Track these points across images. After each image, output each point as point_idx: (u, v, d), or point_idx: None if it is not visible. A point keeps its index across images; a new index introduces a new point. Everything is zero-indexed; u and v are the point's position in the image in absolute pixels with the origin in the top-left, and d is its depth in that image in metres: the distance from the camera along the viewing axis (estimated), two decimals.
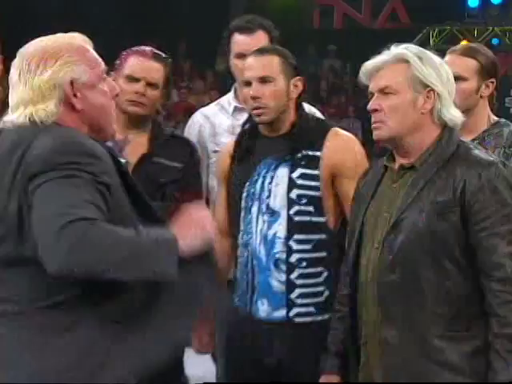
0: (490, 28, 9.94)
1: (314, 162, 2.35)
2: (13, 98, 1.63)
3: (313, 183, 2.35)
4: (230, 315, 2.43)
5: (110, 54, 2.45)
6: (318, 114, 2.79)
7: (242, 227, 2.42)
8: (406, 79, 1.90)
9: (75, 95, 1.61)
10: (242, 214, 2.42)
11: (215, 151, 2.81)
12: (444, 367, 1.89)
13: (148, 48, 2.61)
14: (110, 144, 2.14)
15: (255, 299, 2.40)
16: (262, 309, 2.38)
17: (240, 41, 2.73)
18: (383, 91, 1.92)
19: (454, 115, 1.94)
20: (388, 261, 1.93)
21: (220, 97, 3.20)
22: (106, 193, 1.48)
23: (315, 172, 2.35)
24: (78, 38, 1.69)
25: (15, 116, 1.59)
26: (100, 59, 1.70)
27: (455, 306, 1.91)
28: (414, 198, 1.91)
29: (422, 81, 1.90)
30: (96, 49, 1.87)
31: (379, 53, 2.04)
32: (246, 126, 2.49)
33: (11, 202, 1.50)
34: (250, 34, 2.73)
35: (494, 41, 13.00)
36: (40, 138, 1.51)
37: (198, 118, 2.95)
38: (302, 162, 2.35)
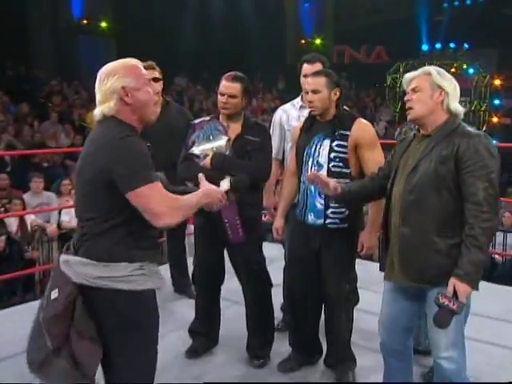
0: (434, 62, 12.33)
1: (345, 137, 2.89)
2: (96, 100, 2.03)
3: (343, 149, 2.89)
4: (295, 221, 3.07)
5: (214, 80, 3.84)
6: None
7: (302, 172, 2.98)
8: (428, 83, 2.40)
9: (127, 95, 1.98)
10: (303, 164, 2.98)
11: (288, 130, 3.50)
12: (436, 252, 2.32)
13: (233, 73, 3.12)
14: (221, 128, 3.07)
15: (307, 212, 2.97)
16: (310, 217, 2.95)
17: (305, 68, 3.38)
18: (414, 90, 2.42)
19: (456, 107, 2.41)
20: (408, 188, 2.38)
21: (281, 104, 3.90)
22: None
23: (345, 143, 2.89)
24: (132, 61, 2.07)
25: (96, 111, 2.01)
26: (145, 72, 2.07)
27: (446, 217, 2.32)
28: (427, 153, 2.36)
29: (438, 84, 2.39)
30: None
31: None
32: (309, 115, 3.06)
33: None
34: (311, 64, 3.38)
35: None
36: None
37: (279, 111, 3.70)
38: (338, 137, 2.89)
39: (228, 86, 3.06)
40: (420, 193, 2.35)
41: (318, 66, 3.34)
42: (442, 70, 2.45)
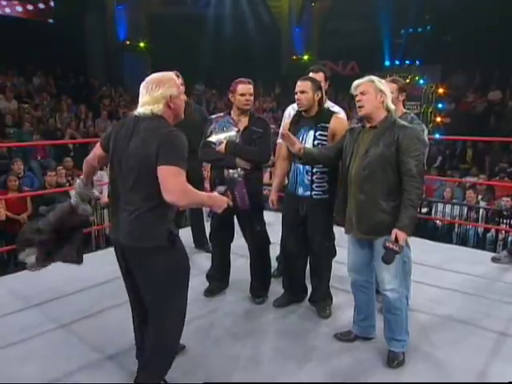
0: (394, 74, 12.43)
1: (325, 129, 2.86)
2: (142, 101, 1.97)
3: (324, 138, 2.86)
4: (287, 194, 3.02)
5: (226, 85, 3.27)
6: (332, 105, 3.32)
7: (293, 156, 2.92)
8: (372, 88, 2.42)
9: (171, 102, 1.98)
10: None
11: None
12: (382, 212, 2.36)
13: (244, 79, 3.07)
14: (232, 121, 3.03)
15: (297, 187, 2.94)
16: (300, 190, 2.93)
17: (311, 75, 3.15)
18: (362, 93, 2.43)
19: (391, 105, 2.45)
20: (362, 166, 2.41)
21: (277, 106, 4.29)
22: None
23: (325, 133, 2.86)
24: (172, 74, 2.05)
25: (143, 109, 1.96)
26: (180, 83, 2.07)
27: (389, 187, 2.36)
28: (375, 140, 2.40)
29: (379, 88, 2.42)
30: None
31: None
32: (296, 112, 3.02)
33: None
34: (315, 72, 3.25)
35: None
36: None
37: (289, 107, 3.49)
38: (320, 128, 2.86)
39: (248, 88, 3.02)
40: (371, 169, 2.38)
41: (320, 75, 3.27)
42: (380, 79, 2.46)
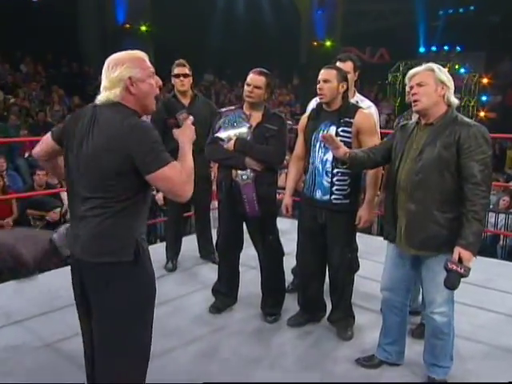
0: (431, 62, 12.36)
1: (349, 124, 2.87)
2: (102, 86, 1.88)
3: (347, 134, 2.86)
4: (304, 198, 3.03)
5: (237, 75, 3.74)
6: (362, 98, 3.40)
7: (311, 154, 2.96)
8: (432, 78, 2.37)
9: (132, 85, 1.84)
10: (311, 147, 2.96)
11: None
12: (436, 224, 2.34)
13: (259, 69, 3.09)
14: (243, 116, 3.04)
15: (315, 189, 2.95)
16: (318, 194, 2.94)
17: (338, 65, 3.16)
18: (419, 84, 2.38)
19: (454, 99, 2.40)
20: (415, 170, 2.37)
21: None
22: None
23: (349, 129, 2.87)
24: (138, 53, 1.92)
25: (101, 96, 1.86)
26: (150, 65, 1.90)
27: (446, 195, 2.32)
28: (431, 139, 2.36)
29: (440, 79, 2.37)
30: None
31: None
32: (316, 106, 3.06)
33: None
34: (343, 62, 3.28)
35: None
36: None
37: (312, 101, 3.44)
38: (343, 124, 2.87)
39: (254, 78, 3.03)
40: (425, 174, 2.34)
41: (349, 64, 3.28)
42: (441, 67, 2.41)
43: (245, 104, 3.14)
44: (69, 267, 1.98)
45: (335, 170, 2.87)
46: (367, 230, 6.53)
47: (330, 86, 2.86)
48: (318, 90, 2.90)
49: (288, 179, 3.23)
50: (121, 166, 1.76)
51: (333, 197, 2.90)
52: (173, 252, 4.17)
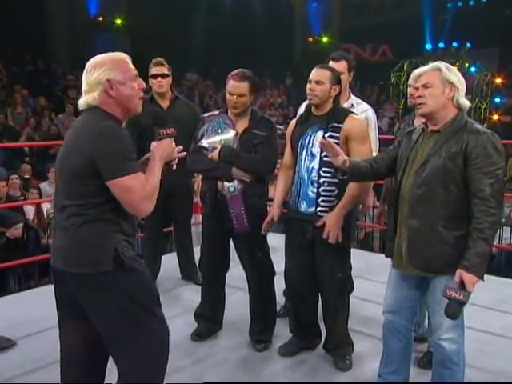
0: (438, 61, 12.47)
1: (337, 129, 2.91)
2: (82, 89, 2.01)
3: (335, 140, 2.84)
4: (290, 210, 3.07)
5: (224, 75, 3.34)
6: (358, 101, 3.48)
7: (297, 163, 3.01)
8: (439, 79, 2.38)
9: (112, 88, 1.97)
10: (298, 155, 3.00)
11: None
12: (442, 243, 2.35)
13: (240, 72, 3.07)
14: (228, 122, 3.08)
15: (299, 201, 3.00)
16: (302, 206, 2.99)
17: (331, 64, 3.24)
18: (425, 86, 2.40)
19: (465, 101, 2.41)
20: (418, 182, 2.40)
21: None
22: None
23: (337, 135, 2.91)
24: (120, 55, 2.05)
25: (81, 100, 2.00)
26: (133, 67, 2.03)
27: (453, 211, 2.34)
28: (437, 148, 2.38)
29: (448, 80, 2.38)
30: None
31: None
32: (305, 110, 3.08)
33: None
34: (337, 61, 3.35)
35: None
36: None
37: (305, 103, 3.40)
38: (331, 129, 2.91)
39: (236, 86, 3.05)
40: (429, 187, 2.37)
41: (343, 64, 3.35)
42: (450, 66, 2.43)
43: (229, 109, 3.18)
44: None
45: (321, 180, 2.93)
46: (367, 247, 6.63)
47: (322, 88, 2.91)
48: (308, 91, 2.95)
49: (276, 191, 3.26)
50: (84, 169, 1.88)
51: (318, 209, 2.94)
52: (151, 272, 4.15)
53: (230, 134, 3.10)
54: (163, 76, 3.95)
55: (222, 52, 15.34)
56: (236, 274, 3.47)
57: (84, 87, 2.00)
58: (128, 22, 15.39)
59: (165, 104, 4.01)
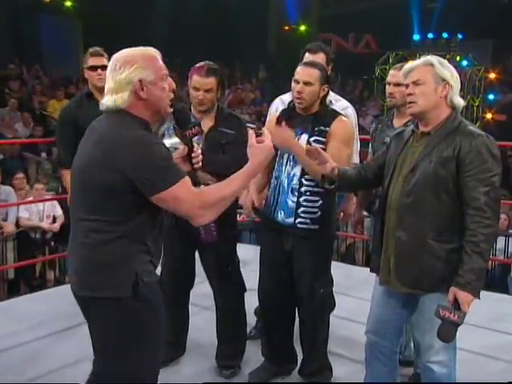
0: (426, 53, 12.60)
1: (323, 133, 2.96)
2: (106, 88, 2.04)
3: (320, 145, 2.87)
4: (265, 220, 3.17)
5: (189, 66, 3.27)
6: (337, 98, 3.53)
7: (276, 166, 3.04)
8: (431, 75, 2.42)
9: (142, 89, 1.99)
10: (278, 158, 3.02)
11: None
12: (433, 257, 2.38)
13: (205, 65, 3.11)
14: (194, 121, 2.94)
15: (276, 210, 3.03)
16: (280, 216, 3.02)
17: (307, 57, 3.39)
18: (416, 83, 2.43)
19: (459, 100, 2.45)
20: (406, 190, 2.43)
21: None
22: None
23: (323, 139, 2.95)
24: (151, 51, 2.07)
25: (106, 99, 2.03)
26: (164, 65, 2.06)
27: (445, 221, 2.38)
28: (427, 153, 2.41)
29: (441, 76, 2.42)
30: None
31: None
32: (288, 107, 3.13)
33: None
34: (314, 53, 3.41)
35: None
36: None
37: (277, 100, 3.67)
38: (316, 133, 2.95)
39: (203, 82, 3.08)
40: (418, 195, 2.41)
41: (321, 57, 3.39)
42: (443, 60, 2.47)
43: (193, 105, 3.19)
44: None
45: (303, 189, 2.95)
46: (349, 259, 6.68)
47: (311, 89, 2.92)
48: (295, 93, 2.96)
49: (250, 190, 3.27)
50: (116, 185, 1.91)
51: (298, 220, 2.97)
52: None
53: (176, 140, 3.08)
54: (103, 68, 3.77)
55: (188, 41, 15.32)
56: (202, 291, 3.48)
57: (110, 86, 2.01)
58: (79, 4, 15.16)
59: None
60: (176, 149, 3.08)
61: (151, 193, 1.92)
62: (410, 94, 2.44)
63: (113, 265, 1.97)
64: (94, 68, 3.85)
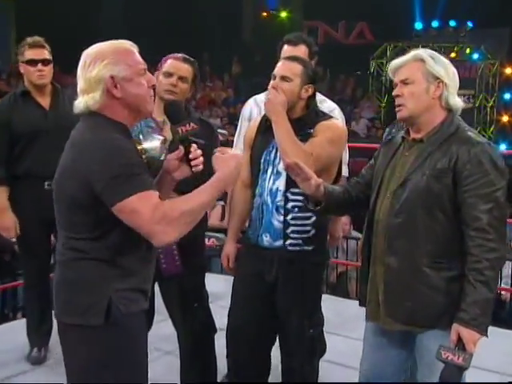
0: (430, 44, 12.69)
1: (307, 137, 2.96)
2: (78, 88, 2.13)
3: None
4: (245, 245, 3.16)
5: (154, 59, 3.30)
6: (321, 98, 3.53)
7: (258, 182, 3.04)
8: (421, 73, 2.44)
9: (115, 87, 2.07)
10: (260, 173, 3.04)
11: None
12: (429, 288, 2.39)
13: (180, 54, 3.24)
14: (153, 125, 3.11)
15: (261, 233, 3.03)
16: (266, 240, 3.01)
17: (286, 50, 3.48)
18: (404, 82, 2.46)
19: (456, 102, 2.47)
20: (395, 208, 2.45)
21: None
22: None
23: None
24: (125, 44, 2.16)
25: (78, 101, 2.12)
26: (141, 59, 2.14)
27: (441, 245, 2.39)
28: (419, 164, 2.43)
29: (433, 74, 2.43)
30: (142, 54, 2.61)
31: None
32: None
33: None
34: (294, 46, 3.49)
35: None
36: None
37: (250, 102, 3.76)
38: (300, 138, 2.93)
39: (179, 67, 3.16)
40: (409, 214, 2.42)
41: (302, 50, 3.45)
42: (436, 54, 2.49)
43: (155, 105, 3.18)
44: None
45: (290, 204, 2.97)
46: (341, 291, 6.66)
47: (289, 86, 2.95)
48: (270, 90, 2.99)
49: (231, 216, 3.29)
50: (81, 195, 2.00)
51: (288, 242, 2.98)
52: (39, 334, 4.01)
53: (155, 142, 3.12)
54: (45, 62, 3.82)
55: (147, 30, 15.31)
56: (163, 333, 3.51)
57: (81, 85, 2.09)
58: None
59: (44, 101, 3.91)
60: (156, 152, 3.09)
61: (110, 204, 1.97)
62: (397, 96, 2.48)
63: (83, 288, 2.05)
64: (32, 62, 3.80)
